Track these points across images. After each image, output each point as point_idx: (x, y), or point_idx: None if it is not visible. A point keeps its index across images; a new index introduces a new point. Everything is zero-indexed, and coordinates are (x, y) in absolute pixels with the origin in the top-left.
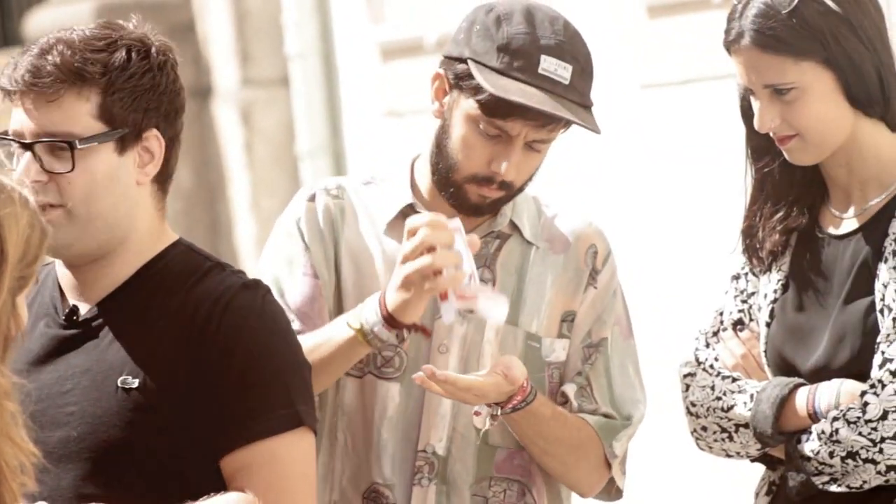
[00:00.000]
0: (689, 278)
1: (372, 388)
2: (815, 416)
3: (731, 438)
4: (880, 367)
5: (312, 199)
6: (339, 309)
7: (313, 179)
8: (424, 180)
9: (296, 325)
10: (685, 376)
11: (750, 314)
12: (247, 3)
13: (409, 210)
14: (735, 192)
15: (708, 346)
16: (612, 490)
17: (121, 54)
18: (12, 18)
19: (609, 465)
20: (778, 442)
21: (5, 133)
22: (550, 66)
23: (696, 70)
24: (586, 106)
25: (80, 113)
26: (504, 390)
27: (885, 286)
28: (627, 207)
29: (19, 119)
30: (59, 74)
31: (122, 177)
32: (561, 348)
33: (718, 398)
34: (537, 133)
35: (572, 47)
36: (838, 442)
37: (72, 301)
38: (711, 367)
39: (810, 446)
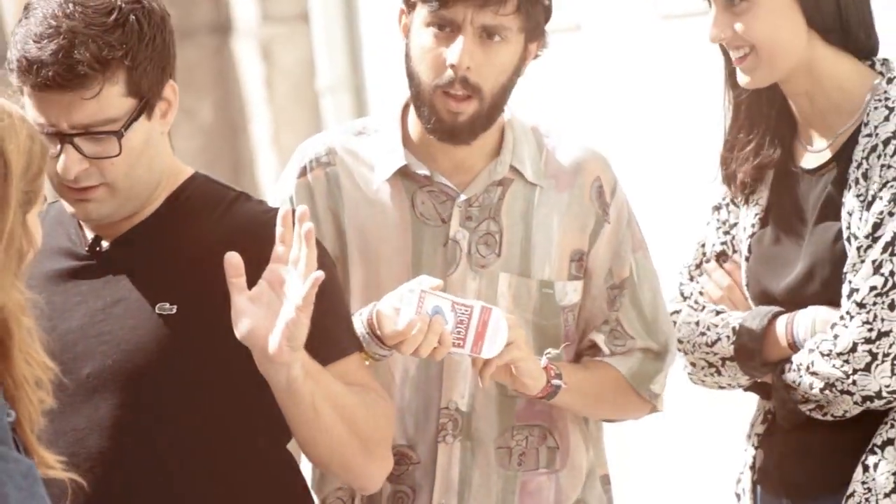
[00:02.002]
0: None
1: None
2: (794, 346)
3: (718, 372)
4: (848, 297)
5: (303, 173)
6: (345, 277)
7: (334, 115)
8: (416, 127)
9: None
10: (671, 313)
11: (733, 245)
12: None
13: (405, 169)
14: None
15: (692, 279)
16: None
17: (131, 24)
18: None
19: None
20: (763, 373)
21: (40, 125)
22: None
23: None
24: None
25: (112, 96)
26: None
27: (850, 214)
28: (646, 141)
29: (50, 111)
30: (92, 70)
31: (153, 137)
32: (573, 290)
33: (703, 333)
34: (483, 15)
35: None
36: (815, 374)
37: (91, 235)
38: (696, 301)
39: (792, 377)
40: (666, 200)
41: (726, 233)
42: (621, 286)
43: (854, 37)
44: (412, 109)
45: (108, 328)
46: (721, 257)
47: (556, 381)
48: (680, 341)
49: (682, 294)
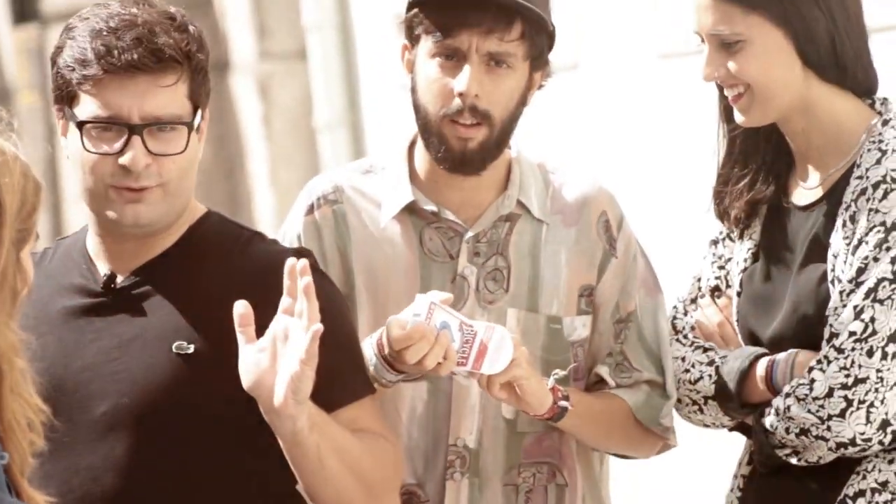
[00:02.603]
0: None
1: (398, 392)
2: (773, 389)
3: (701, 411)
4: (827, 341)
5: (310, 211)
6: (353, 315)
7: (331, 152)
8: (423, 163)
9: None
10: None
11: (727, 280)
12: None
13: (412, 205)
14: None
15: (686, 313)
16: (665, 448)
17: (192, 32)
18: None
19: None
20: (743, 415)
21: (106, 118)
22: None
23: None
24: (540, 13)
25: (182, 93)
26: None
27: (836, 256)
28: (644, 179)
29: (123, 100)
30: (175, 57)
31: (198, 151)
32: (582, 325)
33: (687, 370)
34: (489, 42)
35: None
36: (791, 418)
37: (105, 271)
38: (686, 336)
39: (769, 421)
40: (662, 237)
41: (721, 267)
42: (627, 319)
43: (851, 74)
44: (419, 146)
45: (122, 366)
46: (715, 292)
47: (562, 403)
48: None
49: (674, 328)
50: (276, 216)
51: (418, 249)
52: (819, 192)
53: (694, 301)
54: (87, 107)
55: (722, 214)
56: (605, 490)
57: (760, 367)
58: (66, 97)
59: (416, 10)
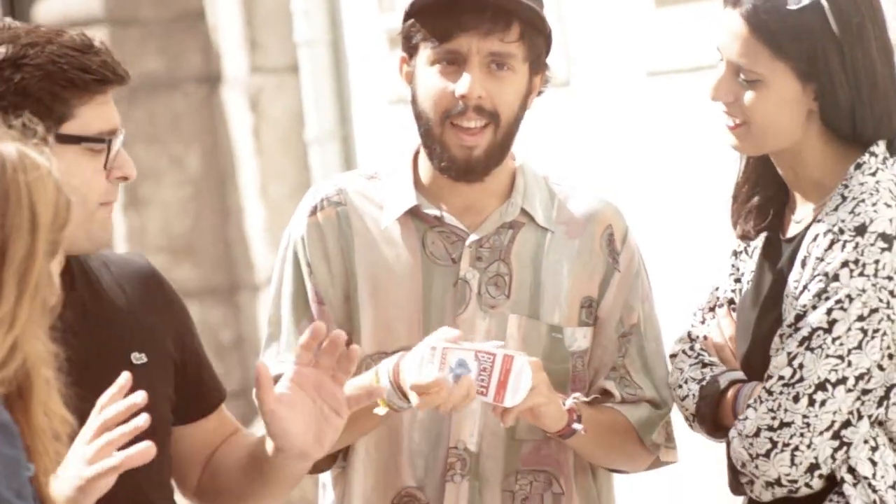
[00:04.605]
0: (695, 265)
1: None
2: (736, 417)
3: (692, 427)
4: (765, 381)
5: (314, 212)
6: (355, 317)
7: (322, 166)
8: (426, 170)
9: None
10: (670, 355)
11: (740, 293)
12: None
13: (416, 210)
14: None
15: (703, 322)
16: (660, 464)
17: None
18: (22, 5)
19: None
20: (718, 437)
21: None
22: None
23: (703, 58)
24: (530, 7)
25: None
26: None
27: (786, 297)
28: (633, 195)
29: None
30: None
31: None
32: (582, 336)
33: (680, 385)
34: (489, 43)
35: None
36: (735, 451)
37: None
38: (692, 348)
39: (729, 450)
40: (650, 253)
41: (737, 280)
42: (630, 333)
43: (866, 140)
44: (422, 153)
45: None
46: (731, 304)
47: (576, 426)
48: (670, 387)
49: (689, 335)
50: (265, 230)
51: (421, 253)
52: (800, 228)
53: (711, 310)
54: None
55: (732, 227)
56: (606, 499)
57: (729, 396)
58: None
59: (412, 19)
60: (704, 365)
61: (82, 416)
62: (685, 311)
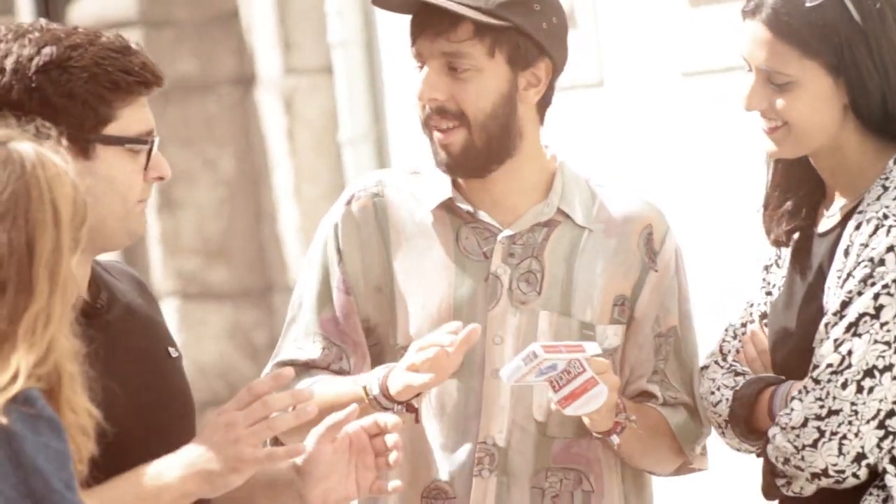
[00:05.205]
0: (730, 266)
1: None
2: (772, 417)
3: (724, 434)
4: (810, 371)
5: (350, 202)
6: (392, 305)
7: (356, 167)
8: None
9: (322, 345)
10: (701, 368)
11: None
12: None
13: (449, 202)
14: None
15: (735, 337)
16: (687, 470)
17: None
18: (56, 8)
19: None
20: (751, 441)
21: (147, 134)
22: None
23: (738, 58)
24: (480, 9)
25: None
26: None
27: (829, 288)
28: (668, 197)
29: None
30: None
31: None
32: (613, 334)
33: (712, 392)
34: (440, 44)
35: None
36: (777, 447)
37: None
38: (724, 359)
39: (768, 449)
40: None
41: (769, 293)
42: (667, 335)
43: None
44: None
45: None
46: (764, 318)
47: (614, 438)
48: (700, 397)
49: (720, 350)
50: (299, 231)
51: (454, 246)
52: (834, 221)
53: (744, 325)
54: None
55: (767, 235)
56: (643, 498)
57: (764, 397)
58: None
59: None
60: (737, 374)
61: (132, 410)
62: (718, 311)
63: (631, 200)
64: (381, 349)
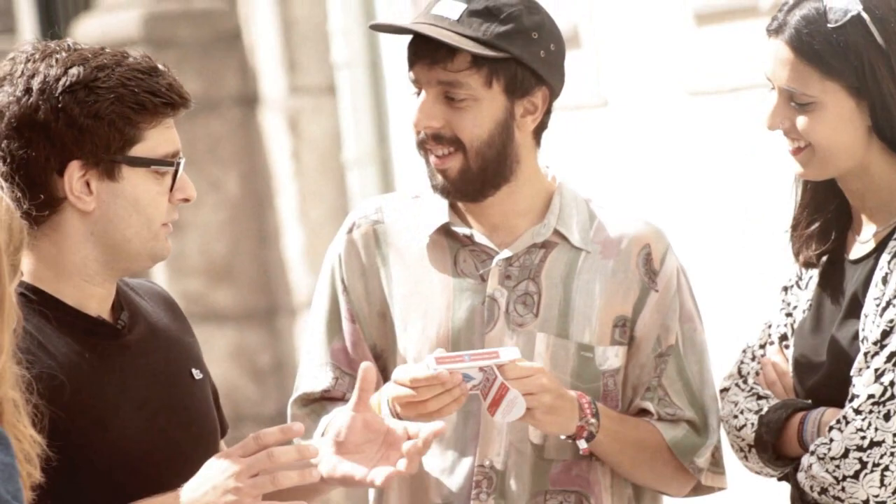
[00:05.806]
0: (735, 286)
1: None
2: (802, 444)
3: (746, 458)
4: (849, 401)
5: (351, 229)
6: (391, 330)
7: (360, 188)
8: None
9: (334, 374)
10: (721, 390)
11: (793, 328)
12: (294, 11)
13: (447, 228)
14: (784, 201)
15: (754, 359)
16: (705, 490)
17: None
18: (59, 26)
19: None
20: (778, 467)
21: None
22: (443, 7)
23: (744, 78)
24: (478, 39)
25: None
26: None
27: (867, 316)
28: (673, 217)
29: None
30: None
31: None
32: (614, 355)
33: (735, 416)
34: (436, 72)
35: None
36: (813, 477)
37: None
38: (745, 381)
39: (800, 477)
40: (689, 275)
41: (789, 315)
42: (667, 353)
43: None
44: None
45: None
46: (783, 341)
47: (580, 443)
48: (721, 419)
49: (739, 372)
50: (304, 252)
51: (452, 270)
52: (868, 248)
53: (763, 347)
54: None
55: (796, 257)
56: None
57: (793, 423)
58: None
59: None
60: (760, 397)
61: (154, 432)
62: (725, 329)
63: (629, 221)
64: (387, 375)
